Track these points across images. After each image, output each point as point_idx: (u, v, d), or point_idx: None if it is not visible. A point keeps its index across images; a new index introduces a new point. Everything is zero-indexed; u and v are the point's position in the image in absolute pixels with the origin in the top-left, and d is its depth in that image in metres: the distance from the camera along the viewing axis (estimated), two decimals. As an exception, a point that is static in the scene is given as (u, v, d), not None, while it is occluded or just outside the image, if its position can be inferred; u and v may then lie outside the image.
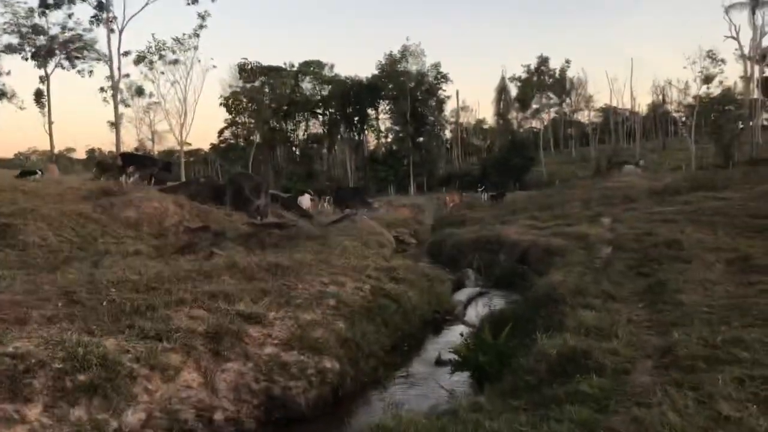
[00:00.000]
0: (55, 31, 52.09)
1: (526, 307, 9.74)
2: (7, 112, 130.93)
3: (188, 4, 41.41)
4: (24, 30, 51.55)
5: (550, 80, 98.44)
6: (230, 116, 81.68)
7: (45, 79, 54.21)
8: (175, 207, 21.47)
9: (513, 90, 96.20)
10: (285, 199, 27.41)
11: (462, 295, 12.97)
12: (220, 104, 78.81)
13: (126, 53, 49.09)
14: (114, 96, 42.51)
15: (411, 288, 11.32)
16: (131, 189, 22.63)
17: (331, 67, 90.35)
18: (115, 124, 41.72)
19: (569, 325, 7.29)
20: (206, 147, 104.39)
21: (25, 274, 10.98)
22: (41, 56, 52.07)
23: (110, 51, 45.01)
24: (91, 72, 52.98)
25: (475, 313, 11.56)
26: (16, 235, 15.80)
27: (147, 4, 41.99)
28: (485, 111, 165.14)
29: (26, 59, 50.26)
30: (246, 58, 77.61)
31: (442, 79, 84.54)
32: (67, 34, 52.00)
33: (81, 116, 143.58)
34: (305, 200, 38.10)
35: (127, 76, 53.17)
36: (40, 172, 31.06)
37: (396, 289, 10.48)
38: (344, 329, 8.25)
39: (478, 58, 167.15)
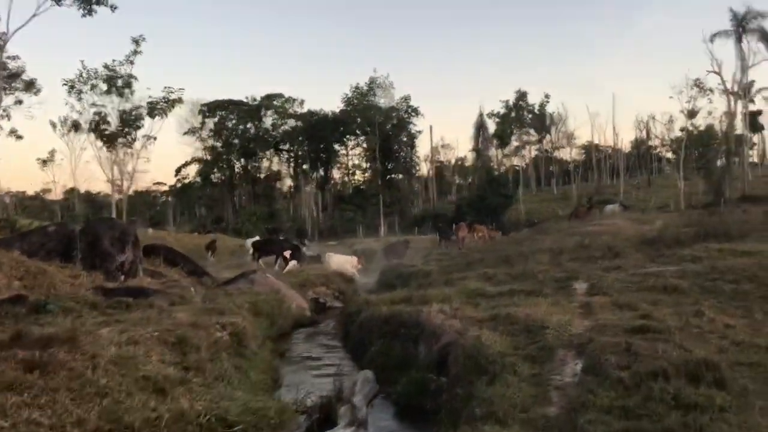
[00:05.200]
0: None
1: None
2: None
3: (83, 16, 34.99)
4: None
5: (529, 116, 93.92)
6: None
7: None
8: (-13, 268, 15.33)
9: (491, 126, 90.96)
10: (168, 251, 21.18)
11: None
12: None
13: (13, 75, 42.54)
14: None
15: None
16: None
17: (301, 102, 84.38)
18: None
19: None
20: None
21: None
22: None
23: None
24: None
25: None
26: None
27: (34, 15, 35.15)
28: (466, 149, 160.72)
29: None
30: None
31: (413, 113, 79.64)
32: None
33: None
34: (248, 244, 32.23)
35: (20, 102, 46.74)
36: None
37: None
38: None
39: (458, 94, 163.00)
